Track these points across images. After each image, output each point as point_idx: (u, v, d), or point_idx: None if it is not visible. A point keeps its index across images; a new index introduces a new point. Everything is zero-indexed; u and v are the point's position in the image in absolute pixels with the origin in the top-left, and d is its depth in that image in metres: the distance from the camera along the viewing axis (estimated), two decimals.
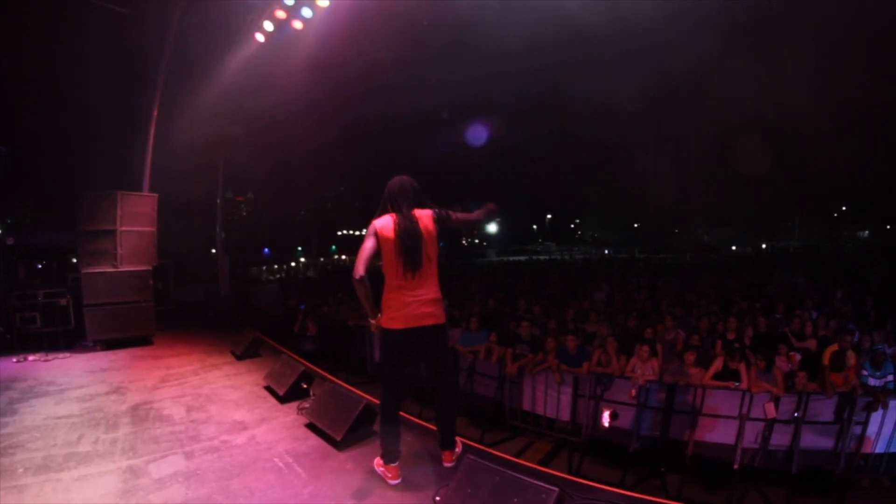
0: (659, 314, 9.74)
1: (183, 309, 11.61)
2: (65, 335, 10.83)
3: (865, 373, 6.86)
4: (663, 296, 11.95)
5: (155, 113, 12.79)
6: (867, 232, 58.92)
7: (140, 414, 6.31)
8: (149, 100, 12.89)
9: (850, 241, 52.88)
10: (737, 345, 7.72)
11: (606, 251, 54.01)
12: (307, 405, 6.06)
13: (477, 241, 78.20)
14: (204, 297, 17.27)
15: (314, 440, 5.38)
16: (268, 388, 7.17)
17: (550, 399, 7.84)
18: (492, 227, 75.17)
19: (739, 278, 15.82)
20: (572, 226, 74.13)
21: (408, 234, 3.92)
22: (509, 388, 8.22)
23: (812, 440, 6.27)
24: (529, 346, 8.32)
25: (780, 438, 6.39)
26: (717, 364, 7.00)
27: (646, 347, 7.49)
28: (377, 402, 5.26)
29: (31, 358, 9.58)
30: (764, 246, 47.48)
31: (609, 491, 4.11)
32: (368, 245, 3.94)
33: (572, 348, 7.87)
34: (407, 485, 4.28)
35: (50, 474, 4.69)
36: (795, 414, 6.35)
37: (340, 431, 4.98)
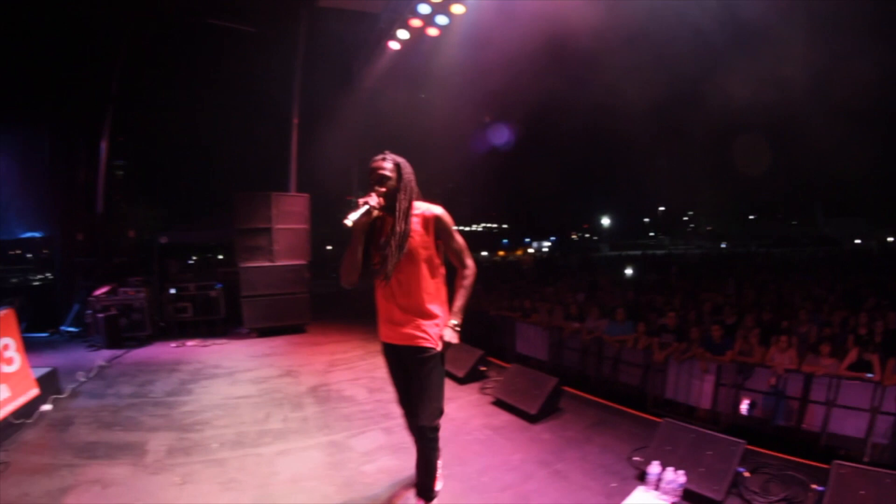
0: (791, 308, 9.86)
1: (320, 300, 12.62)
2: (215, 324, 11.77)
3: None
4: (793, 290, 12.01)
5: (295, 121, 13.81)
6: None
7: (321, 395, 6.91)
8: (287, 110, 13.96)
9: None
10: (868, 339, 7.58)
11: (723, 245, 52.53)
12: (489, 385, 6.83)
13: (587, 234, 77.55)
14: (336, 289, 18.33)
15: (505, 416, 6.01)
16: None
17: (693, 387, 8.12)
18: (604, 221, 74.52)
19: (866, 274, 15.48)
20: (685, 218, 72.43)
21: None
22: (653, 376, 8.65)
23: None
24: (675, 336, 8.72)
25: None
26: (852, 355, 7.00)
27: (784, 338, 7.63)
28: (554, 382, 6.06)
29: (189, 343, 10.48)
30: (891, 239, 44.93)
31: (780, 458, 4.72)
32: None
33: (717, 337, 8.15)
34: (601, 448, 5.02)
35: (247, 449, 5.14)
36: None
37: (535, 406, 5.71)
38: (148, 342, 10.54)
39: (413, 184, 3.43)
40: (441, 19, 11.33)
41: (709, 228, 66.56)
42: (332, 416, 6.04)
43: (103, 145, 13.35)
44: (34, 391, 5.96)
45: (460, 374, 7.28)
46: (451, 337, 3.46)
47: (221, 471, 4.66)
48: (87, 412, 6.17)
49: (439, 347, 3.46)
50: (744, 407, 6.95)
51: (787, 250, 34.56)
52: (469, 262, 3.56)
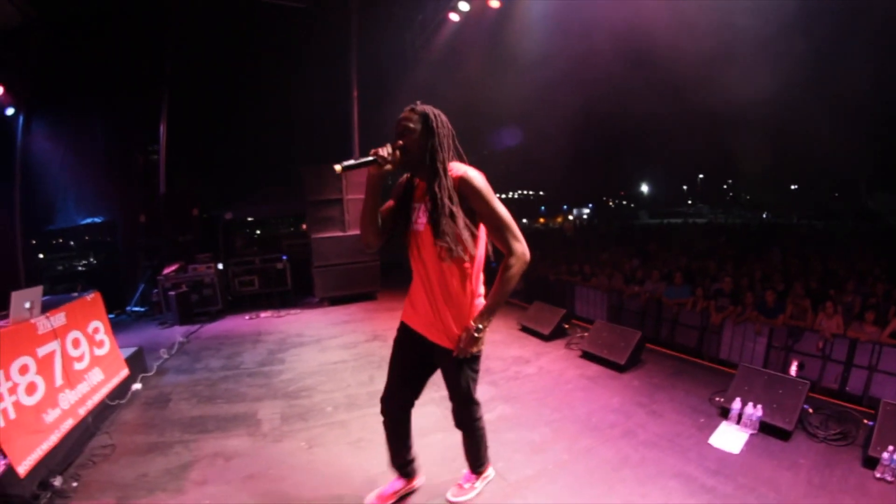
0: (836, 278, 10.52)
1: (387, 268, 13.04)
2: (282, 295, 12.07)
3: None
4: (837, 263, 12.47)
5: (355, 93, 14.15)
6: None
7: None
8: (346, 84, 14.26)
9: None
10: None
11: (764, 215, 52.16)
12: (575, 341, 7.58)
13: (624, 202, 77.11)
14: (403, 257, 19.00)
15: (595, 367, 6.64)
16: (525, 329, 8.43)
17: (746, 349, 8.85)
18: (643, 188, 74.15)
19: None
20: (724, 186, 71.71)
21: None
22: (709, 337, 9.46)
23: None
24: (730, 300, 9.43)
25: None
26: (894, 324, 7.46)
27: (830, 304, 8.21)
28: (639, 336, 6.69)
29: (262, 315, 10.70)
30: None
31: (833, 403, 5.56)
32: None
33: (771, 301, 8.83)
34: (685, 392, 5.80)
35: (363, 409, 5.34)
36: None
37: (623, 357, 6.48)
38: (219, 316, 10.82)
39: (449, 140, 2.88)
40: None
41: (748, 197, 65.92)
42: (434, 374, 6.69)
43: (162, 127, 13.67)
44: (125, 371, 6.08)
45: (546, 331, 8.01)
46: (469, 344, 2.92)
47: (345, 432, 4.79)
48: (181, 388, 6.34)
49: (456, 352, 2.98)
50: (793, 368, 7.11)
51: (830, 223, 34.22)
52: (517, 245, 2.83)
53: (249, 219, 19.45)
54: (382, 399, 3.40)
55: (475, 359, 3.13)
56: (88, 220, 13.88)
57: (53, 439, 4.23)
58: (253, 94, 15.93)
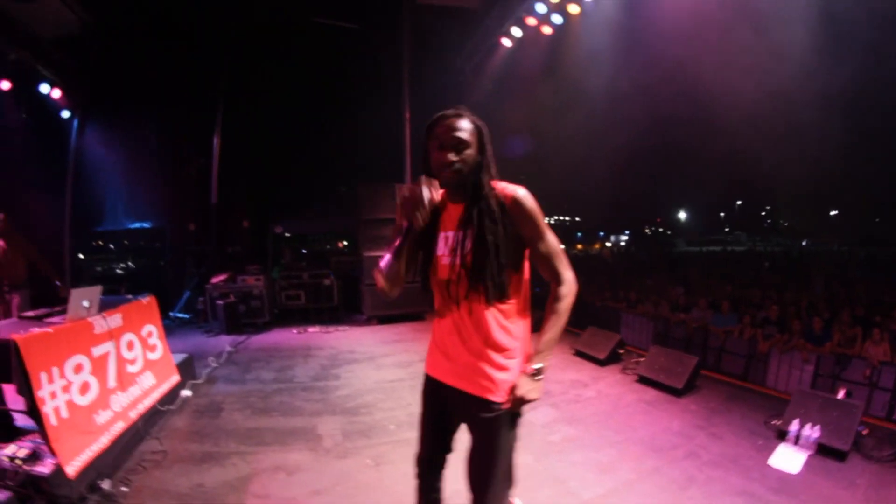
0: (882, 305, 10.47)
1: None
2: (329, 311, 12.12)
3: None
4: (882, 289, 12.62)
5: (407, 115, 14.36)
6: None
7: None
8: (398, 104, 14.49)
9: None
10: None
11: (804, 242, 51.24)
12: (631, 365, 7.93)
13: (660, 229, 76.77)
14: None
15: (652, 391, 6.92)
16: (580, 354, 8.73)
17: (793, 377, 8.87)
18: (681, 215, 73.78)
19: None
20: (763, 213, 71.20)
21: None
22: (755, 365, 9.47)
23: None
24: (777, 328, 9.55)
25: None
26: None
27: (877, 331, 8.28)
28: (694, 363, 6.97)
29: (310, 329, 10.77)
30: None
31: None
32: None
33: (818, 329, 8.95)
34: (741, 416, 6.11)
35: None
36: None
37: (681, 382, 6.78)
38: (266, 328, 10.92)
39: (493, 160, 2.42)
40: (556, 18, 11.99)
41: (786, 224, 65.33)
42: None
43: (215, 139, 14.06)
44: (175, 377, 6.09)
45: (601, 356, 8.33)
46: (530, 390, 2.31)
47: (411, 450, 4.22)
48: (232, 398, 6.36)
49: (508, 404, 2.33)
50: (840, 396, 6.98)
51: (872, 249, 33.81)
52: (568, 274, 2.44)
53: (297, 234, 19.82)
54: (418, 459, 2.83)
55: (518, 417, 2.45)
56: (138, 225, 14.27)
57: (104, 441, 4.23)
58: (306, 111, 16.21)
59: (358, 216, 11.48)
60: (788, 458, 4.93)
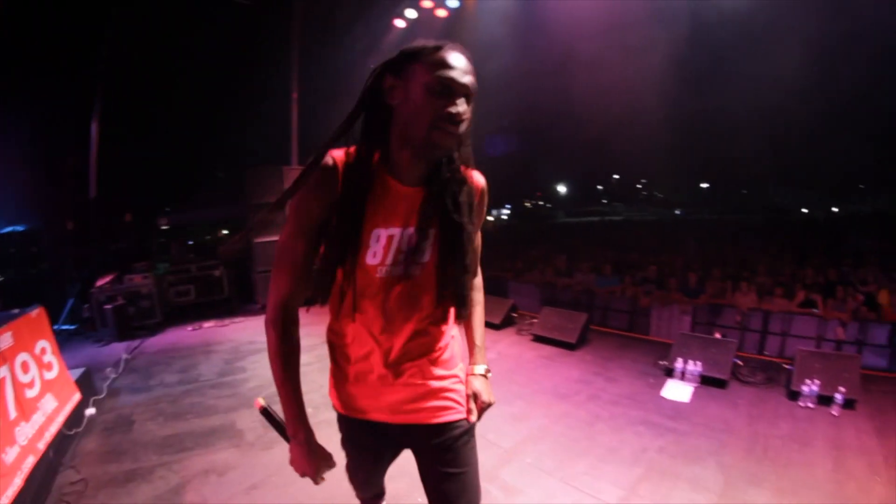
0: (749, 263, 11.58)
1: None
2: (220, 304, 11.35)
3: None
4: (748, 250, 13.72)
5: (294, 95, 13.48)
6: None
7: None
8: (286, 86, 13.49)
9: None
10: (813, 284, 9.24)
11: (677, 212, 54.49)
12: (525, 327, 8.38)
13: (541, 202, 78.45)
14: None
15: (549, 348, 7.40)
16: None
17: (673, 327, 9.60)
18: (560, 188, 75.62)
19: (812, 239, 16.76)
20: (638, 186, 73.88)
21: None
22: (638, 319, 10.26)
23: (871, 360, 7.51)
24: (656, 286, 10.34)
25: None
26: (800, 296, 8.73)
27: (745, 283, 9.33)
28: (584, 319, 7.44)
29: (206, 325, 10.16)
30: (835, 210, 46.10)
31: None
32: None
33: (693, 283, 9.83)
34: (632, 361, 6.74)
35: None
36: (858, 338, 7.93)
37: (574, 337, 7.33)
38: (159, 329, 10.02)
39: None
40: (452, 2, 12.21)
41: (660, 196, 68.58)
42: None
43: (94, 127, 12.42)
44: (77, 396, 5.30)
45: (497, 321, 8.68)
46: (489, 394, 2.07)
47: (333, 431, 3.50)
48: (141, 407, 5.90)
49: (473, 418, 1.97)
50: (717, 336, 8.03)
51: (740, 216, 36.24)
52: (478, 268, 2.12)
53: (182, 224, 18.34)
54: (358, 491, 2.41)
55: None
56: (9, 230, 11.98)
57: (18, 483, 3.56)
58: (192, 94, 15.14)
59: (247, 202, 11.00)
60: (678, 390, 5.58)
